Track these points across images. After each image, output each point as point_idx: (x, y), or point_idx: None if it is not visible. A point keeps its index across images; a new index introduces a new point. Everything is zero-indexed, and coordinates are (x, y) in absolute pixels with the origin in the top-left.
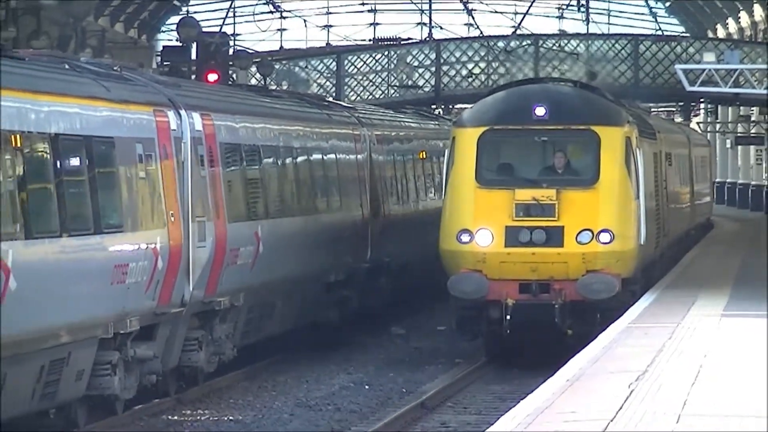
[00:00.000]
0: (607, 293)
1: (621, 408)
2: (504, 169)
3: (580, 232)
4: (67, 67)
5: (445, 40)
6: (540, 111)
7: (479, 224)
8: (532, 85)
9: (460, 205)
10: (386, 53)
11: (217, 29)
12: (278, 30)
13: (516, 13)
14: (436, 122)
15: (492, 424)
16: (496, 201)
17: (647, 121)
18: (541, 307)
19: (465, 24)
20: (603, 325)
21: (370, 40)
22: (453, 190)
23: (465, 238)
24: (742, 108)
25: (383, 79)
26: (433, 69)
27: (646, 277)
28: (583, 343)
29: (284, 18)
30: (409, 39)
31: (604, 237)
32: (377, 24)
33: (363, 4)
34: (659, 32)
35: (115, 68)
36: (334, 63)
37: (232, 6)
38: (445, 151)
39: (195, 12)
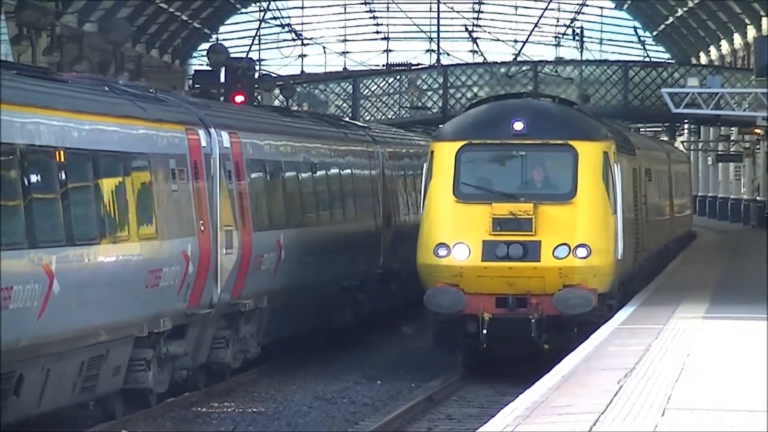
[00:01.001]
0: (583, 308)
1: (611, 402)
2: (482, 183)
3: (557, 247)
4: (106, 89)
5: (452, 65)
6: (518, 126)
7: (456, 238)
8: (511, 99)
9: (437, 218)
10: (398, 77)
11: (243, 55)
12: (299, 56)
13: (516, 41)
14: None
15: (493, 417)
16: (474, 215)
17: (626, 137)
18: (518, 322)
19: (470, 51)
20: (580, 339)
21: (383, 65)
22: (430, 204)
23: (442, 252)
24: (722, 128)
25: (395, 101)
26: (441, 92)
27: (624, 291)
28: (560, 357)
29: (305, 45)
30: (419, 64)
31: (581, 252)
32: (390, 51)
33: (377, 32)
34: (647, 59)
35: (150, 90)
36: (351, 86)
37: (258, 34)
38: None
39: (224, 39)
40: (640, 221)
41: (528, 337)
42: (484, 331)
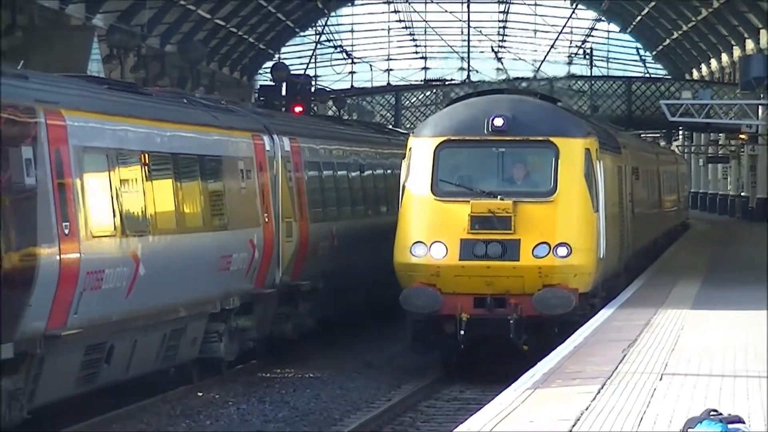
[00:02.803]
0: (563, 308)
1: (616, 369)
2: (460, 180)
3: (536, 246)
4: (185, 101)
5: (480, 81)
6: (498, 122)
7: (434, 237)
8: (492, 95)
9: (414, 216)
10: (434, 91)
11: (302, 72)
12: (350, 72)
13: (535, 61)
14: None
15: (516, 380)
16: (452, 213)
17: (611, 136)
18: (496, 322)
19: (496, 69)
20: (561, 339)
21: (422, 81)
22: (408, 202)
23: (419, 250)
24: (712, 134)
25: (432, 111)
26: None
27: (609, 288)
28: (541, 358)
29: (354, 63)
30: (452, 80)
31: (562, 251)
32: (427, 68)
33: (416, 52)
34: (648, 75)
35: (222, 102)
36: (393, 98)
37: (314, 54)
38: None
39: (285, 58)
40: (625, 219)
41: (507, 339)
42: (462, 332)
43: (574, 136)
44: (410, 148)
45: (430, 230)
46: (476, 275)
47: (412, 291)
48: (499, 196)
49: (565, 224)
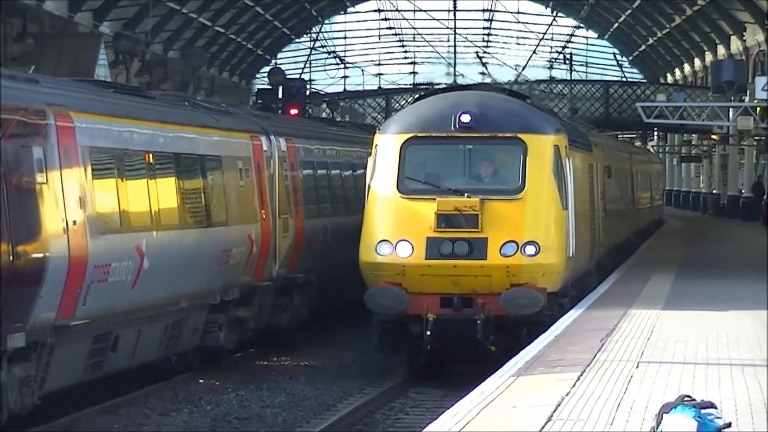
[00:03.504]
0: (531, 308)
1: (594, 357)
2: (427, 177)
3: (504, 244)
4: (186, 104)
5: (466, 85)
6: (465, 118)
7: (399, 235)
8: (459, 91)
9: (380, 215)
10: (422, 94)
11: (297, 76)
12: (342, 77)
13: (517, 65)
14: None
15: (500, 368)
16: (418, 211)
17: (582, 133)
18: (463, 322)
19: (480, 73)
20: (530, 340)
21: (410, 84)
22: (373, 199)
23: (384, 249)
24: (685, 135)
25: None
26: None
27: (580, 287)
28: (509, 357)
29: (347, 68)
30: (439, 83)
31: (530, 249)
32: (416, 73)
33: (405, 57)
34: (624, 78)
35: (222, 105)
36: (384, 101)
37: (309, 59)
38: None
39: (281, 63)
40: (596, 217)
41: (474, 339)
42: (428, 333)
43: (542, 132)
44: (376, 145)
45: (395, 228)
46: (443, 274)
47: (377, 291)
48: (466, 194)
49: (534, 222)
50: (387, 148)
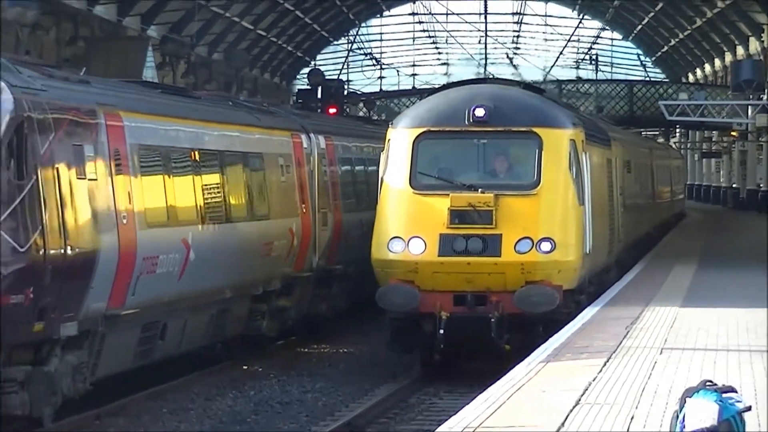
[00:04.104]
0: (546, 306)
1: (620, 343)
2: (440, 173)
3: (519, 241)
4: (230, 103)
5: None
6: (480, 112)
7: (412, 232)
8: (473, 85)
9: (392, 211)
10: (436, 87)
11: (335, 77)
12: (379, 77)
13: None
14: None
15: (529, 354)
16: (431, 207)
17: (600, 128)
18: (477, 321)
19: (511, 74)
20: (546, 338)
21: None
22: (386, 195)
23: (396, 246)
24: (706, 132)
25: None
26: None
27: (598, 283)
28: (525, 356)
29: (383, 68)
30: None
31: (545, 246)
32: (449, 74)
33: (438, 58)
34: (648, 78)
35: (263, 105)
36: (418, 100)
37: (347, 60)
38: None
39: (320, 64)
40: (615, 212)
41: (488, 338)
42: (441, 331)
43: (558, 126)
44: (389, 140)
45: (408, 225)
46: (456, 272)
47: (389, 288)
48: (479, 189)
49: (549, 218)
50: (399, 142)
